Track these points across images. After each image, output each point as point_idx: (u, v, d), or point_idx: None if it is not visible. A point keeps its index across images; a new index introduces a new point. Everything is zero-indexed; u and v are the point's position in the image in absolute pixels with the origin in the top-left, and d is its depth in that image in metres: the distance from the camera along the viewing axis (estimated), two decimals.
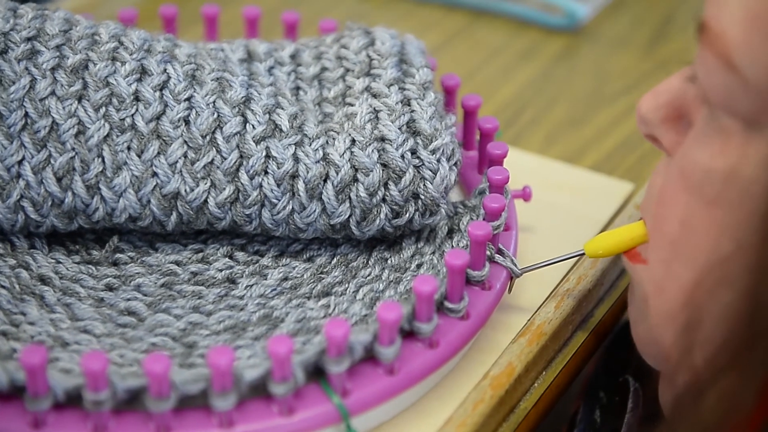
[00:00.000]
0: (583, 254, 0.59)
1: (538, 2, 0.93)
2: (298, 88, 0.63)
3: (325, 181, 0.59)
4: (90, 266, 0.60)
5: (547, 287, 0.63)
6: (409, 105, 0.61)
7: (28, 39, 0.60)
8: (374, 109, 0.60)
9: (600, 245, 0.58)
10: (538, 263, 0.60)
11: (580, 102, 0.84)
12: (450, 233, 0.61)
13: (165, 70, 0.60)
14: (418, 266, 0.60)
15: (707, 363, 0.46)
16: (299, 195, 0.59)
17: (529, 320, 0.61)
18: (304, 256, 0.61)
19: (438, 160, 0.59)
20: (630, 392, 0.61)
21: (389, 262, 0.61)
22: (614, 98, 0.84)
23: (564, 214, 0.68)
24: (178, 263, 0.61)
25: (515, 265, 0.59)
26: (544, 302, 0.63)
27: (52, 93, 0.59)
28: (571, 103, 0.84)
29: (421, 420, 0.55)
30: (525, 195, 0.66)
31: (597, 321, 0.64)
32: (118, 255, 0.61)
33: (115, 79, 0.59)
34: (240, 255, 0.61)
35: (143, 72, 0.60)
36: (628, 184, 0.72)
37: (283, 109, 0.60)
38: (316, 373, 0.52)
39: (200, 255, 0.61)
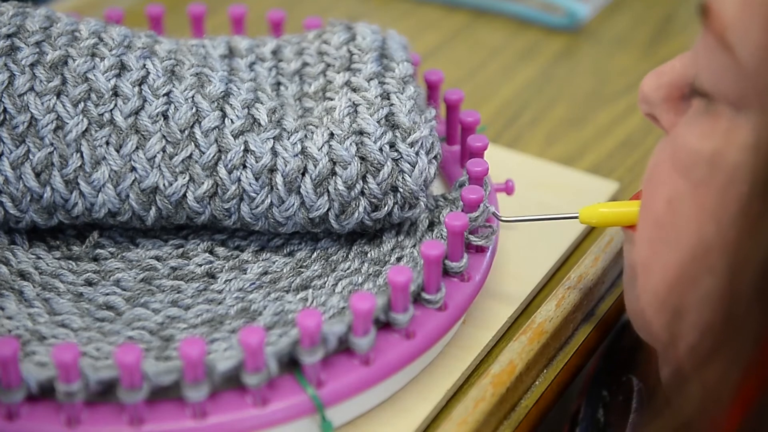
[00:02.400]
0: (576, 217, 0.59)
1: (538, 2, 0.93)
2: (279, 84, 0.63)
3: (303, 174, 0.59)
4: (70, 261, 0.60)
5: (528, 285, 0.63)
6: (388, 99, 0.61)
7: (8, 36, 0.60)
8: (353, 102, 0.60)
9: (594, 214, 0.58)
10: (526, 216, 0.60)
11: (580, 102, 0.84)
12: (431, 226, 0.61)
13: (144, 65, 0.60)
14: (398, 259, 0.60)
15: (690, 352, 0.46)
16: (277, 188, 0.58)
17: (517, 317, 0.62)
18: (285, 251, 0.61)
19: (416, 153, 0.59)
20: (634, 392, 0.60)
21: (369, 255, 0.60)
22: (614, 98, 0.84)
23: (548, 211, 0.68)
24: (158, 258, 0.61)
25: (498, 213, 0.60)
26: (531, 300, 0.63)
27: (31, 89, 0.59)
28: (571, 103, 0.84)
29: (399, 414, 0.55)
30: (507, 189, 0.66)
31: (598, 319, 0.64)
32: (99, 250, 0.61)
33: (94, 75, 0.59)
34: (220, 250, 0.61)
35: (122, 67, 0.60)
36: (614, 183, 0.71)
37: (262, 103, 0.60)
38: (292, 364, 0.52)
39: (180, 250, 0.61)
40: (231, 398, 0.51)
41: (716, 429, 0.44)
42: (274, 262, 0.61)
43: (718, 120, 0.48)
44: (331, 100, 0.61)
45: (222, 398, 0.51)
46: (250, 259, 0.61)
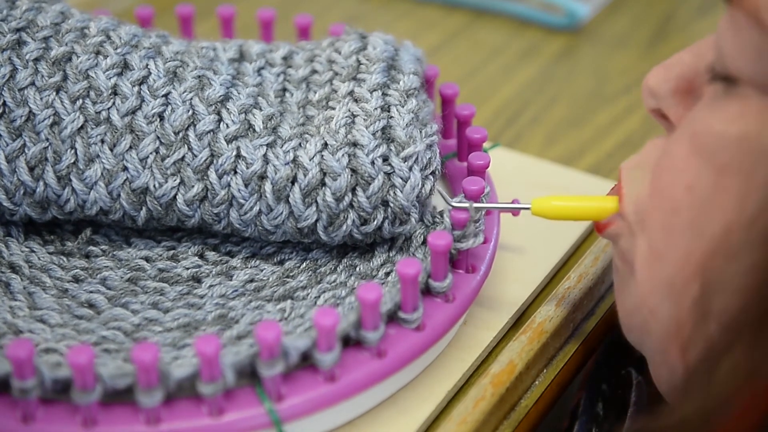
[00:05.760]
0: (528, 208, 0.58)
1: (538, 2, 0.93)
2: (284, 90, 0.63)
3: (292, 183, 0.58)
4: (62, 257, 0.61)
5: (529, 285, 0.63)
6: (388, 111, 0.59)
7: (17, 30, 0.60)
8: (352, 113, 0.59)
9: (546, 206, 0.57)
10: (477, 204, 0.58)
11: (580, 102, 0.84)
12: (425, 242, 0.60)
13: (147, 65, 0.60)
14: (387, 274, 0.59)
15: (723, 333, 0.45)
16: (266, 196, 0.58)
17: (517, 319, 0.61)
18: (275, 259, 0.61)
19: (410, 168, 0.58)
20: (633, 385, 0.60)
21: (358, 269, 0.59)
22: (614, 98, 0.84)
23: None
24: (147, 259, 0.61)
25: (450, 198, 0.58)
26: (532, 301, 0.63)
27: (32, 83, 0.59)
28: (571, 103, 0.84)
29: (399, 414, 0.55)
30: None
31: (598, 319, 0.63)
32: (91, 247, 0.61)
33: (95, 73, 0.60)
34: (211, 254, 0.61)
35: (125, 66, 0.60)
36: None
37: (260, 109, 0.60)
38: (255, 376, 0.51)
39: (171, 252, 0.61)
40: (186, 406, 0.50)
41: (750, 409, 0.43)
42: (261, 270, 0.60)
43: (747, 102, 0.47)
44: (332, 109, 0.60)
45: (177, 405, 0.50)
46: (238, 265, 0.60)
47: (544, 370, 0.60)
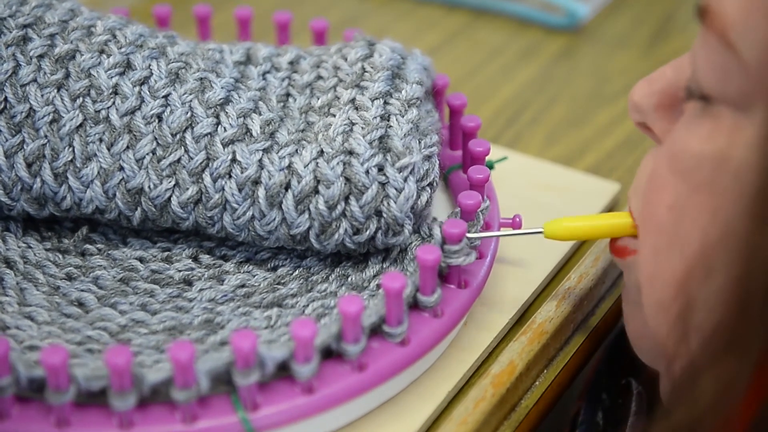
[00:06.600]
0: (541, 233, 0.58)
1: (538, 2, 0.93)
2: (288, 95, 0.62)
3: (286, 189, 0.57)
4: (57, 254, 0.61)
5: (530, 285, 0.62)
6: (387, 120, 0.59)
7: (24, 26, 0.61)
8: (351, 121, 0.59)
9: (559, 228, 0.58)
10: (489, 233, 0.59)
11: (580, 102, 0.83)
12: None
13: (149, 66, 0.60)
14: (378, 286, 0.58)
15: (703, 347, 0.46)
16: (259, 202, 0.57)
17: (517, 319, 0.61)
18: (268, 266, 0.60)
19: (405, 179, 0.57)
20: (633, 395, 0.61)
21: (350, 279, 0.59)
22: (614, 98, 0.84)
23: (551, 213, 0.66)
24: (141, 260, 0.61)
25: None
26: (532, 301, 0.62)
27: (34, 80, 0.59)
28: (571, 103, 0.83)
29: (399, 415, 0.54)
30: (514, 224, 0.63)
31: (598, 319, 0.63)
32: (88, 245, 0.61)
33: (97, 71, 0.60)
34: (205, 258, 0.61)
35: (128, 66, 0.60)
36: (616, 184, 0.70)
37: (259, 114, 0.59)
38: (231, 384, 0.51)
39: (166, 254, 0.61)
40: (160, 411, 0.50)
41: (730, 423, 0.44)
42: (254, 276, 0.60)
43: (719, 121, 0.47)
44: (333, 116, 0.60)
45: (151, 410, 0.50)
46: (231, 270, 0.60)
47: (545, 371, 0.60)
